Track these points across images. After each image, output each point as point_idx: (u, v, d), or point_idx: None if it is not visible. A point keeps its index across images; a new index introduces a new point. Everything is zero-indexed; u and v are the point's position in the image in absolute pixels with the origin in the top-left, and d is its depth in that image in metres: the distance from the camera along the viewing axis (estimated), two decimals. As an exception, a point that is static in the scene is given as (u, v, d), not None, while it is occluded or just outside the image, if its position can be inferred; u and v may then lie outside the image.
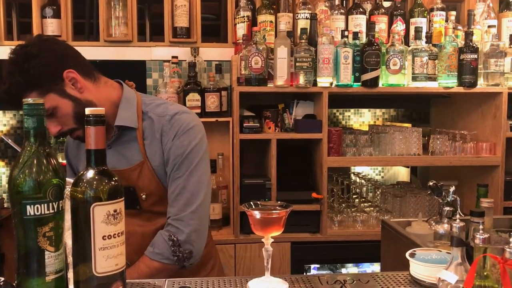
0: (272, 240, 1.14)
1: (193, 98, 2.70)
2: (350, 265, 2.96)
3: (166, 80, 2.73)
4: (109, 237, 0.94)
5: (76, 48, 1.51)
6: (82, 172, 0.97)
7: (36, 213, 0.92)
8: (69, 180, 1.01)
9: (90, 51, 2.86)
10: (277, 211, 1.13)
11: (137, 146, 1.52)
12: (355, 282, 1.18)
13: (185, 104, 2.67)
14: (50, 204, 0.94)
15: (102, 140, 0.97)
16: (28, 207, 0.92)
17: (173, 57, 2.82)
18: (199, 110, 2.68)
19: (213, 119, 2.72)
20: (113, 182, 0.97)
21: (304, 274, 2.69)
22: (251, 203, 1.16)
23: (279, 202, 1.18)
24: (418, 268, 1.15)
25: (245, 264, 2.64)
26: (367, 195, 3.21)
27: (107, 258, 0.94)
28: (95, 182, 0.95)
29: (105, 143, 0.98)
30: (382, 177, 3.47)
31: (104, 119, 0.97)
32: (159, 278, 1.42)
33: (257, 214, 1.11)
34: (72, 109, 1.42)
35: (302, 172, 2.83)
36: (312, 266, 2.85)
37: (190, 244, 1.46)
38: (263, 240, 1.14)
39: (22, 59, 1.37)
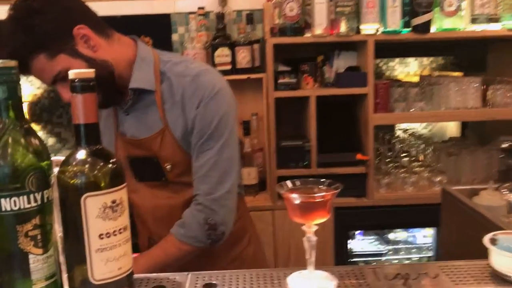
0: (316, 227, 0.92)
1: (222, 54, 2.45)
2: (398, 230, 2.73)
3: (192, 34, 2.49)
4: (108, 235, 0.74)
5: (93, 3, 1.29)
6: (69, 154, 0.76)
7: (14, 208, 0.72)
8: (58, 159, 0.81)
9: (108, 6, 2.63)
10: (321, 194, 0.90)
11: (157, 111, 1.32)
12: (420, 276, 0.95)
13: (213, 61, 2.43)
14: (31, 195, 0.74)
15: (93, 112, 0.75)
16: (2, 200, 0.72)
17: (199, 8, 2.56)
18: (229, 67, 2.43)
19: (245, 76, 2.46)
20: (110, 165, 0.76)
21: (350, 240, 2.48)
22: (288, 183, 0.93)
23: (322, 180, 0.95)
24: (506, 261, 0.91)
25: (284, 232, 2.45)
26: (417, 154, 2.93)
27: (106, 262, 0.74)
28: (86, 166, 0.74)
29: (97, 115, 0.76)
30: (430, 130, 3.14)
31: (94, 84, 0.75)
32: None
33: (296, 198, 0.88)
34: None
35: (344, 132, 2.57)
36: (357, 232, 2.64)
37: (224, 226, 1.31)
38: (304, 227, 0.92)
39: (24, 15, 1.16)
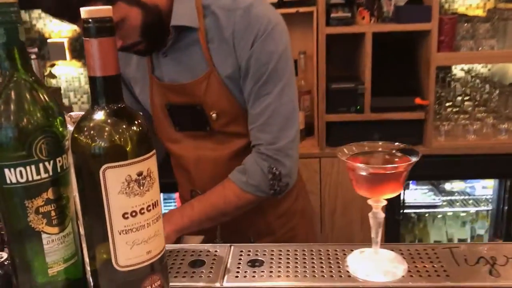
0: (385, 202, 0.76)
1: (269, -15, 2.21)
2: (455, 180, 2.54)
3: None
4: (134, 214, 0.60)
5: None
6: (84, 113, 0.62)
7: (20, 180, 0.59)
8: (77, 114, 0.67)
9: None
10: (394, 165, 0.72)
11: (200, 51, 1.17)
12: (509, 261, 0.78)
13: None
14: (41, 165, 0.60)
15: (113, 61, 0.59)
16: (7, 171, 0.59)
17: None
18: (275, -1, 2.21)
19: (293, 10, 2.23)
20: (135, 128, 0.61)
21: (403, 191, 2.31)
22: (353, 147, 0.77)
23: (396, 143, 0.77)
24: None
25: (332, 180, 2.30)
26: (481, 98, 2.66)
27: (132, 245, 0.61)
28: (105, 130, 0.59)
29: (117, 65, 0.60)
30: (489, 69, 2.82)
31: (113, 25, 0.59)
32: (245, 209, 1.22)
33: (363, 169, 0.71)
34: (141, 18, 1.09)
35: (402, 74, 2.34)
36: (410, 181, 2.46)
37: (289, 177, 1.20)
38: (370, 201, 0.76)
39: None
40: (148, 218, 0.62)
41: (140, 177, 0.60)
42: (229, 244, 0.86)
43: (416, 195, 2.53)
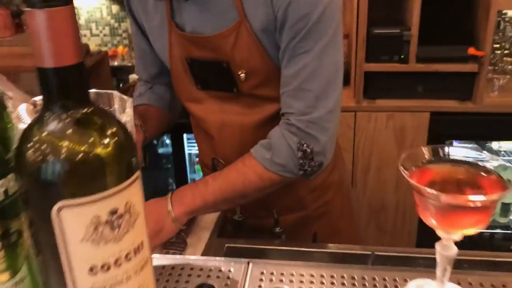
0: (461, 238, 0.55)
1: None
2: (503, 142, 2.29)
3: None
4: (106, 267, 0.42)
5: None
6: (33, 120, 0.42)
7: None
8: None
9: None
10: (481, 198, 0.51)
11: (231, 2, 0.96)
12: None
13: None
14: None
15: (71, 43, 0.39)
16: None
17: None
18: None
19: None
20: (107, 142, 0.41)
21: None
22: (420, 152, 0.56)
23: (479, 155, 0.56)
24: None
25: (367, 137, 2.08)
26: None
27: (105, 307, 0.44)
28: (60, 149, 0.40)
29: (79, 48, 0.40)
30: None
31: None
32: (268, 191, 1.04)
33: (438, 198, 0.50)
34: None
35: (456, 19, 2.04)
36: (454, 140, 2.22)
37: (323, 155, 1.00)
38: (440, 234, 0.56)
39: None
40: (128, 270, 0.44)
41: (114, 217, 0.41)
42: (247, 261, 0.68)
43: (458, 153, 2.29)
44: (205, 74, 1.09)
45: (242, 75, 1.02)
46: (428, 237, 1.85)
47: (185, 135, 3.24)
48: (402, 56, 1.97)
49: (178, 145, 3.36)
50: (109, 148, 0.40)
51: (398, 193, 2.14)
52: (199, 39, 1.02)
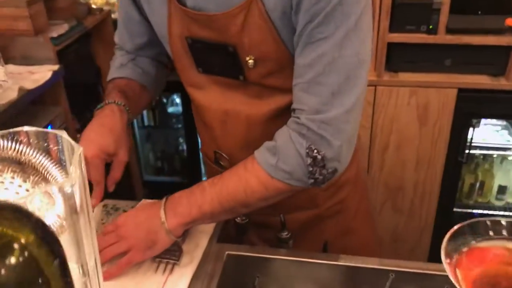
0: None
1: None
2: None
3: None
4: None
5: None
6: None
7: None
8: None
9: None
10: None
11: None
12: None
13: None
14: None
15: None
16: None
17: None
18: None
19: None
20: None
21: (471, 129, 1.93)
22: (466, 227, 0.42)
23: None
24: None
25: (387, 114, 1.93)
26: None
27: None
28: None
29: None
30: None
31: None
32: (274, 201, 0.92)
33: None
34: None
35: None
36: (482, 118, 2.06)
37: (337, 161, 0.87)
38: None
39: None
40: None
41: None
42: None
43: (486, 133, 2.13)
44: (208, 57, 0.95)
45: (251, 61, 0.88)
46: (446, 219, 1.73)
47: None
48: (431, 27, 1.78)
49: (188, 105, 3.23)
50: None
51: (418, 173, 2.00)
52: (201, 16, 0.88)
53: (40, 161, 0.39)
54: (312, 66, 0.82)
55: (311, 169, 0.85)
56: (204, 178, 3.45)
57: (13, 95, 1.64)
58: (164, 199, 0.95)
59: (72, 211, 0.37)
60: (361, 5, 0.80)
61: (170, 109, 3.51)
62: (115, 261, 0.92)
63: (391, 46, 1.84)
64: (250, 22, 0.84)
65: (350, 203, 1.14)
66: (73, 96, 1.99)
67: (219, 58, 0.93)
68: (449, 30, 1.78)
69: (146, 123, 3.52)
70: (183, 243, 1.00)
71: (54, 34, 1.87)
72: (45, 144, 0.40)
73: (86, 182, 0.37)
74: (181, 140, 3.37)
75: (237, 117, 0.99)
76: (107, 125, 0.97)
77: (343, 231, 1.14)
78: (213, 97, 1.00)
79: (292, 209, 1.06)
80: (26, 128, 0.38)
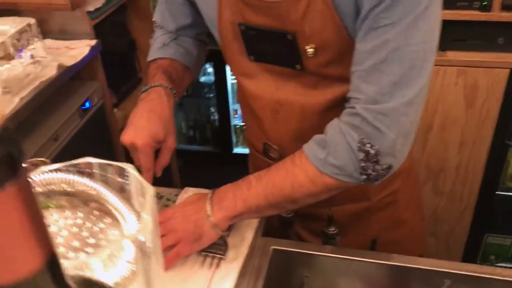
0: None
1: None
2: None
3: None
4: None
5: None
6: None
7: None
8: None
9: None
10: None
11: None
12: None
13: None
14: None
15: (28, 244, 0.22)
16: None
17: None
18: None
19: None
20: None
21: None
22: None
23: None
24: None
25: (433, 93, 1.85)
26: None
27: None
28: None
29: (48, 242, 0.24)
30: None
31: None
32: (324, 197, 0.88)
33: None
34: None
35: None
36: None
37: (391, 156, 0.82)
38: None
39: None
40: None
41: None
42: None
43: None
44: (262, 45, 0.90)
45: (310, 50, 0.84)
46: (488, 201, 1.66)
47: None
48: (484, 3, 1.68)
49: (220, 75, 3.19)
50: None
51: (461, 155, 1.93)
52: (258, 2, 0.83)
53: (105, 195, 0.37)
54: (374, 52, 0.77)
55: (363, 164, 0.81)
56: (235, 149, 3.45)
57: (52, 72, 1.63)
58: (210, 192, 0.93)
59: (144, 255, 0.34)
60: None
61: (202, 78, 3.48)
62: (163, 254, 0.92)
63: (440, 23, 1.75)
64: (313, 8, 0.79)
65: (403, 194, 1.10)
66: (109, 69, 1.97)
67: (274, 46, 0.89)
68: (505, 7, 1.66)
69: (178, 92, 3.51)
70: (228, 237, 0.98)
71: (91, 8, 1.84)
72: (109, 176, 0.38)
73: (157, 223, 0.35)
74: (212, 109, 3.36)
75: (291, 107, 0.95)
76: (155, 111, 0.95)
77: (394, 223, 1.11)
78: (264, 86, 0.96)
79: (341, 201, 1.03)
80: (91, 159, 0.36)
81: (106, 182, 0.37)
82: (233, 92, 3.23)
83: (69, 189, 0.37)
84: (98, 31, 1.89)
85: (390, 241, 1.10)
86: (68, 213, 0.37)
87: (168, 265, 0.91)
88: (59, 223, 0.36)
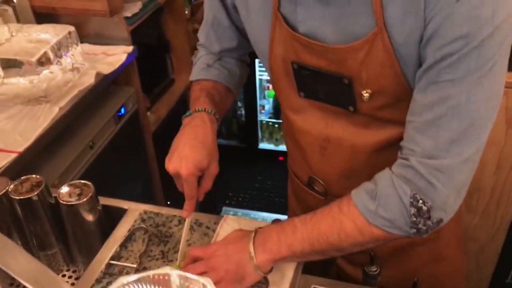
0: None
1: None
2: None
3: None
4: None
5: None
6: None
7: None
8: None
9: None
10: None
11: (369, 4, 0.73)
12: None
13: None
14: None
15: None
16: None
17: None
18: None
19: None
20: None
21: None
22: None
23: None
24: None
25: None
26: None
27: None
28: None
29: None
30: None
31: None
32: (370, 246, 0.87)
33: None
34: None
35: None
36: None
37: (443, 211, 0.80)
38: None
39: None
40: None
41: None
42: None
43: None
44: (315, 85, 0.88)
45: (366, 94, 0.82)
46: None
47: (257, 60, 3.05)
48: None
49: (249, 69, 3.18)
50: None
51: (498, 176, 1.89)
52: (316, 46, 0.81)
53: None
54: (433, 107, 0.75)
55: (414, 219, 0.80)
56: (260, 144, 3.44)
57: (90, 80, 1.64)
58: (253, 232, 0.92)
59: None
60: (501, 48, 0.71)
61: (228, 72, 3.47)
62: None
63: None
64: (373, 55, 0.77)
65: (446, 229, 1.07)
66: (142, 72, 1.97)
67: (328, 87, 0.87)
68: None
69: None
70: (269, 273, 0.97)
71: (128, 14, 1.84)
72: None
73: None
74: (239, 104, 3.36)
75: (340, 145, 0.93)
76: (199, 138, 0.94)
77: (435, 258, 1.09)
78: (313, 122, 0.94)
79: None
80: (168, 270, 0.35)
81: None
82: (261, 88, 3.21)
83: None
84: (134, 34, 1.88)
85: (429, 276, 1.08)
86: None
87: None
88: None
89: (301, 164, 1.05)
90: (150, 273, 0.36)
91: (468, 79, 0.71)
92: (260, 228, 0.93)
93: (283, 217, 1.08)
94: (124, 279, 0.38)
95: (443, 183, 0.77)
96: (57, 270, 1.10)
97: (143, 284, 0.37)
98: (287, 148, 1.12)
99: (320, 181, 1.01)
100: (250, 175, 3.29)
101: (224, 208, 3.05)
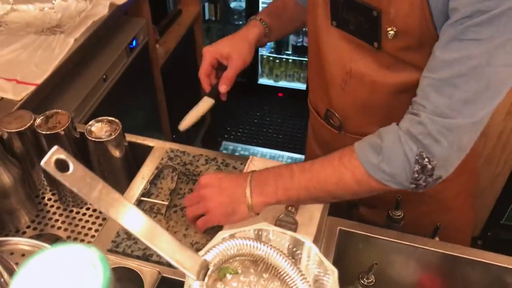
0: None
1: None
2: None
3: None
4: None
5: None
6: None
7: None
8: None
9: None
10: None
11: None
12: None
13: None
14: None
15: None
16: None
17: None
18: None
19: None
20: None
21: None
22: None
23: None
24: None
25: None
26: None
27: None
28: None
29: None
30: None
31: None
32: (364, 196, 0.88)
33: None
34: None
35: None
36: None
37: (444, 169, 0.80)
38: None
39: None
40: None
41: None
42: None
43: None
44: (347, 13, 0.89)
45: (391, 32, 0.81)
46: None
47: (259, -6, 2.98)
48: None
49: (252, 2, 3.08)
50: None
51: (506, 122, 1.91)
52: None
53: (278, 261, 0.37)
54: (452, 65, 0.73)
55: (416, 176, 0.80)
56: (260, 79, 3.40)
57: (104, 11, 1.59)
58: (250, 173, 0.91)
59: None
60: None
61: (233, 4, 3.37)
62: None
63: None
64: None
65: (454, 181, 1.07)
66: (150, 3, 1.90)
67: (359, 18, 0.87)
68: None
69: (207, 17, 3.40)
70: (296, 214, 0.99)
71: None
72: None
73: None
74: (240, 38, 3.27)
75: (361, 80, 0.93)
76: (235, 35, 1.09)
77: (440, 208, 1.12)
78: (340, 54, 0.95)
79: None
80: (265, 226, 0.35)
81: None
82: (264, 22, 3.13)
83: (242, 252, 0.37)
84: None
85: (432, 225, 1.11)
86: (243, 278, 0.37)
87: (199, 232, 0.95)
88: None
89: (321, 96, 1.06)
90: (250, 228, 0.37)
91: (495, 41, 0.69)
92: (255, 171, 0.92)
93: (281, 153, 1.12)
94: (222, 234, 0.38)
95: (450, 142, 0.77)
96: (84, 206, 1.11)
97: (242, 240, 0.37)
98: (309, 83, 1.12)
99: (337, 115, 1.02)
100: (249, 110, 3.28)
101: (224, 143, 3.06)
